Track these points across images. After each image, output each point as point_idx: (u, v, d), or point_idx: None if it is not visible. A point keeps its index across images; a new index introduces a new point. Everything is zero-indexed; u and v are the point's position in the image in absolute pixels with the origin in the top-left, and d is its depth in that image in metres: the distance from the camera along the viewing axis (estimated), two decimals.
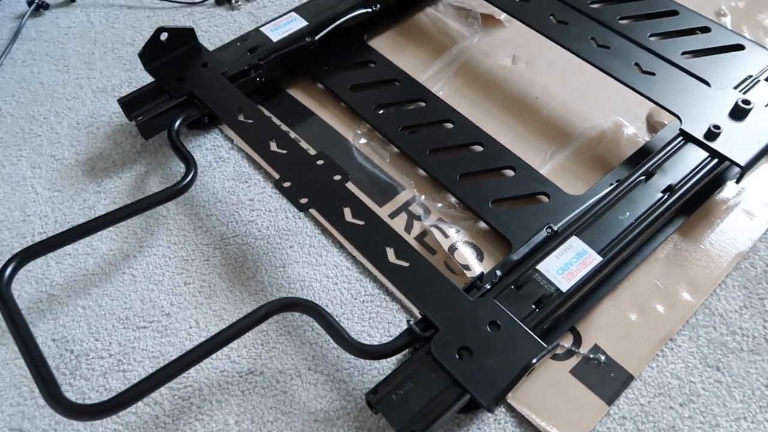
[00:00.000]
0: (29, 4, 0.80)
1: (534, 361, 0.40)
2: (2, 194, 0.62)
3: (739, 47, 0.64)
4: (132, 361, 0.51)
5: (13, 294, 0.47)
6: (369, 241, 0.49)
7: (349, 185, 0.53)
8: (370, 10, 0.71)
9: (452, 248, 0.55)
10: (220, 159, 0.64)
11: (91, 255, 0.57)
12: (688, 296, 0.51)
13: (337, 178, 0.53)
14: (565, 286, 0.46)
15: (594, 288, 0.50)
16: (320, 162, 0.54)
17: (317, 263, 0.56)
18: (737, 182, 0.55)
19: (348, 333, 0.46)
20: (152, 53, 0.63)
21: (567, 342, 0.49)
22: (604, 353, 0.49)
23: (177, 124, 0.60)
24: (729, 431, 0.45)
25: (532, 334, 0.43)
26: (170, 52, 0.64)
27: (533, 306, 0.46)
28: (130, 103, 0.62)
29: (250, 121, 0.58)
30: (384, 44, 0.73)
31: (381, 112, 0.65)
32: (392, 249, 0.48)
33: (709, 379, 0.48)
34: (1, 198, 0.62)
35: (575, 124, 0.64)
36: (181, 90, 0.62)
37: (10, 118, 0.69)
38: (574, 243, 0.49)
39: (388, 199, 0.59)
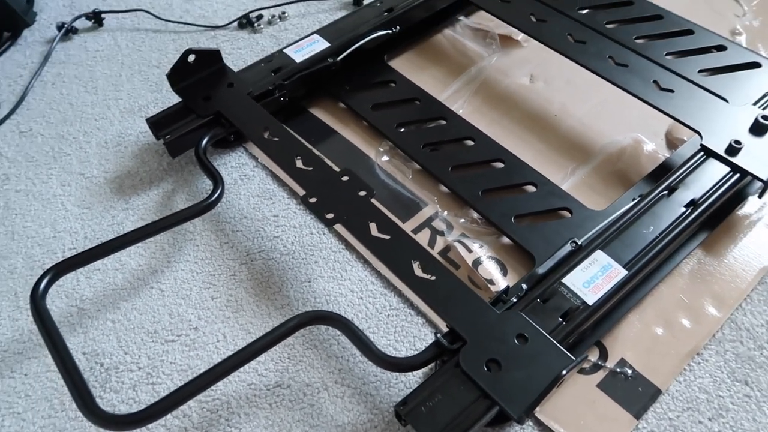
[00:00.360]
0: (59, 28, 0.83)
1: (564, 372, 0.41)
2: (33, 211, 0.64)
3: (756, 65, 0.65)
4: (161, 374, 0.52)
5: (47, 307, 0.48)
6: (395, 255, 0.50)
7: (378, 205, 0.53)
8: (390, 31, 0.73)
9: (476, 263, 0.55)
10: (245, 176, 0.65)
11: (120, 270, 0.58)
12: (713, 310, 0.52)
13: (362, 193, 0.54)
14: (591, 299, 0.47)
15: (619, 302, 0.51)
16: (345, 178, 0.55)
17: (342, 278, 0.56)
18: (760, 197, 0.55)
19: (375, 346, 0.46)
20: (180, 74, 0.65)
21: (593, 356, 0.50)
22: (630, 367, 0.49)
23: (204, 142, 0.62)
24: None
25: (559, 346, 0.43)
26: (197, 73, 0.66)
27: (560, 319, 0.46)
28: (158, 123, 0.64)
29: (276, 138, 0.60)
30: (404, 64, 0.74)
31: (402, 130, 0.66)
32: (418, 263, 0.49)
33: (737, 394, 0.48)
34: (33, 215, 0.63)
35: (594, 140, 0.65)
36: (208, 109, 0.63)
37: (40, 138, 0.71)
38: (599, 257, 0.49)
39: (411, 215, 0.60)
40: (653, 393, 0.48)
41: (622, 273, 0.48)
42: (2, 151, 0.70)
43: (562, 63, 0.70)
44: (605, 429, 0.46)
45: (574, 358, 0.42)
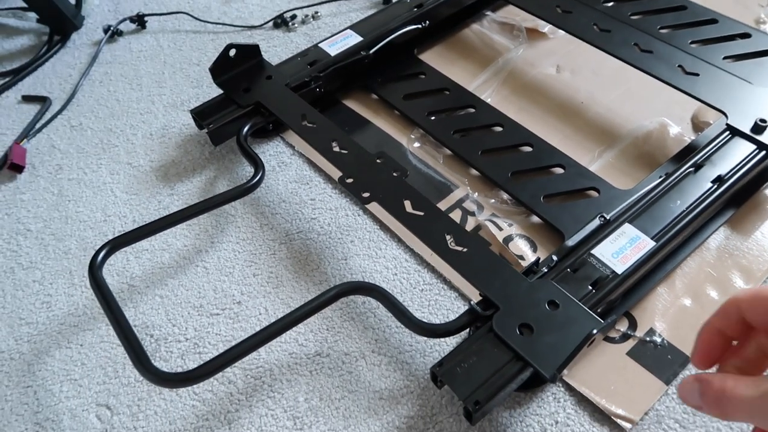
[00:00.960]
0: (105, 31, 0.88)
1: (594, 332, 0.42)
2: (85, 198, 0.68)
3: None
4: (207, 345, 0.54)
5: (104, 277, 0.51)
6: (429, 230, 0.52)
7: (412, 187, 0.56)
8: (419, 26, 0.75)
9: (507, 240, 0.57)
10: (283, 164, 0.68)
11: (167, 250, 0.62)
12: (741, 283, 0.53)
13: (396, 174, 0.57)
14: (620, 269, 0.48)
15: (647, 274, 0.52)
16: (380, 160, 0.58)
17: (377, 256, 0.59)
18: None
19: (412, 313, 0.48)
20: (221, 68, 0.68)
21: (623, 326, 0.51)
22: (660, 336, 0.50)
23: (245, 130, 0.65)
24: None
25: (589, 311, 0.45)
26: (237, 67, 0.69)
27: (590, 287, 0.48)
28: (201, 113, 0.67)
29: (313, 125, 0.63)
30: (433, 58, 0.77)
31: (433, 118, 0.68)
32: (451, 236, 0.51)
33: None
34: (85, 201, 0.67)
35: (621, 125, 0.67)
36: (248, 100, 0.67)
37: (90, 132, 0.75)
38: (627, 229, 0.51)
39: (443, 196, 0.62)
40: (683, 361, 0.49)
41: (650, 244, 0.50)
42: (55, 144, 0.74)
43: (588, 54, 0.72)
44: (636, 394, 0.47)
45: (602, 321, 0.44)
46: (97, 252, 0.52)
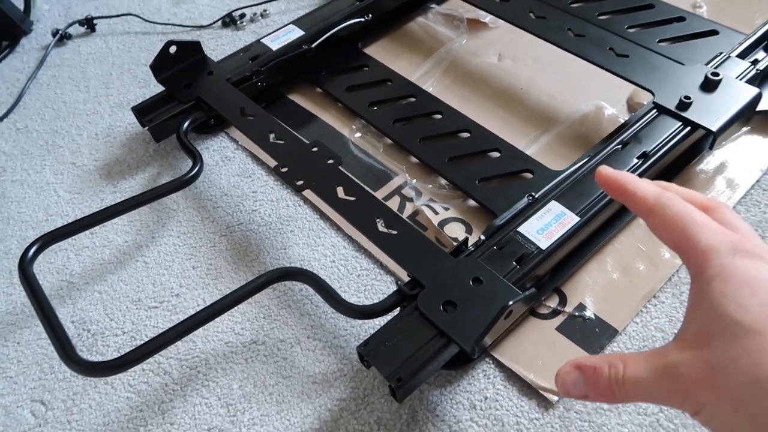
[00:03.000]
0: (54, 35, 0.88)
1: (510, 303, 0.43)
2: (28, 199, 0.67)
3: (714, 32, 0.67)
4: (144, 337, 0.54)
5: (35, 273, 0.51)
6: (360, 213, 0.53)
7: (346, 174, 0.56)
8: (362, 19, 0.76)
9: (442, 224, 0.58)
10: (226, 158, 0.68)
11: (108, 247, 0.62)
12: (669, 256, 0.53)
13: (331, 161, 0.57)
14: (544, 245, 0.49)
15: (576, 250, 0.53)
16: (315, 149, 0.58)
17: (316, 244, 0.59)
18: (710, 149, 0.57)
19: (341, 296, 0.49)
20: (162, 64, 0.69)
21: (552, 302, 0.52)
22: (589, 310, 0.51)
23: (185, 125, 0.65)
24: None
25: (510, 285, 0.45)
26: (179, 64, 0.70)
27: (514, 263, 0.48)
28: (143, 110, 0.67)
29: (251, 117, 0.63)
30: (377, 50, 0.78)
31: (375, 108, 0.69)
32: (382, 220, 0.52)
33: None
34: (27, 202, 0.67)
35: (559, 110, 0.68)
36: (189, 95, 0.67)
37: (35, 133, 0.75)
38: (553, 206, 0.52)
39: (382, 184, 0.63)
40: (611, 333, 0.49)
41: (575, 219, 0.50)
42: (0, 147, 0.74)
43: (528, 42, 0.73)
44: None
45: (520, 292, 0.44)
46: (28, 247, 0.52)
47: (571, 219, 0.50)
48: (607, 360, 0.31)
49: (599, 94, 0.68)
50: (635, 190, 0.34)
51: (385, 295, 0.54)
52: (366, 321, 0.52)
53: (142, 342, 0.53)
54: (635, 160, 0.54)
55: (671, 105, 0.57)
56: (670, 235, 0.32)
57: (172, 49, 0.69)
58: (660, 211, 0.32)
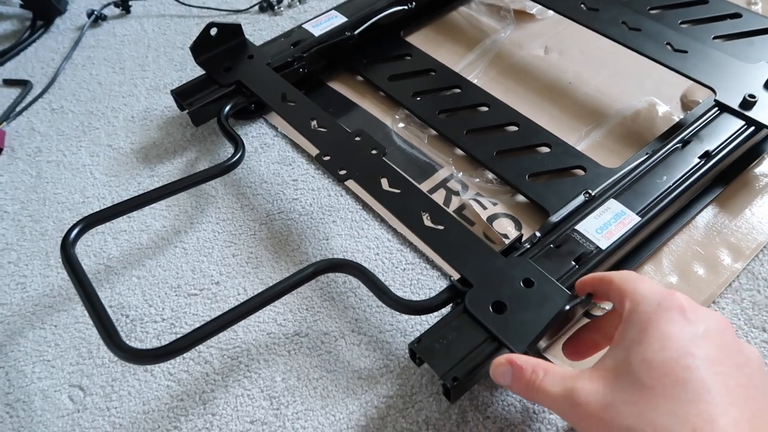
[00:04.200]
0: (89, 16, 0.86)
1: (566, 308, 0.41)
2: (64, 180, 0.66)
3: None
4: (184, 325, 0.53)
5: (77, 255, 0.50)
6: (405, 207, 0.51)
7: (390, 165, 0.55)
8: (405, 7, 0.74)
9: (491, 219, 0.56)
10: (266, 145, 0.67)
11: (146, 231, 0.61)
12: (730, 261, 0.51)
13: (374, 152, 0.56)
14: (604, 244, 0.47)
15: (633, 251, 0.51)
16: (358, 138, 0.57)
17: (359, 236, 0.58)
18: None
19: (391, 290, 0.47)
20: (202, 47, 0.67)
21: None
22: None
23: (226, 110, 0.64)
24: None
25: (563, 288, 0.44)
26: (219, 46, 0.68)
27: (573, 263, 0.47)
28: (182, 93, 0.66)
29: (293, 103, 0.61)
30: (420, 39, 0.76)
31: (418, 99, 0.67)
32: (428, 214, 0.50)
33: (755, 340, 0.47)
34: (63, 183, 0.66)
35: (609, 105, 0.66)
36: (229, 79, 0.66)
37: (71, 114, 0.74)
38: (612, 205, 0.50)
39: (427, 176, 0.61)
40: None
41: (635, 219, 0.48)
42: (35, 127, 0.73)
43: (576, 35, 0.71)
44: None
45: (573, 296, 0.42)
46: (70, 229, 0.51)
47: (631, 218, 0.49)
48: (533, 364, 0.36)
49: (650, 90, 0.66)
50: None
51: (432, 291, 0.53)
52: (412, 317, 0.51)
53: (181, 329, 0.53)
54: (696, 160, 0.52)
55: (734, 103, 0.55)
56: (617, 288, 0.37)
57: (213, 31, 0.67)
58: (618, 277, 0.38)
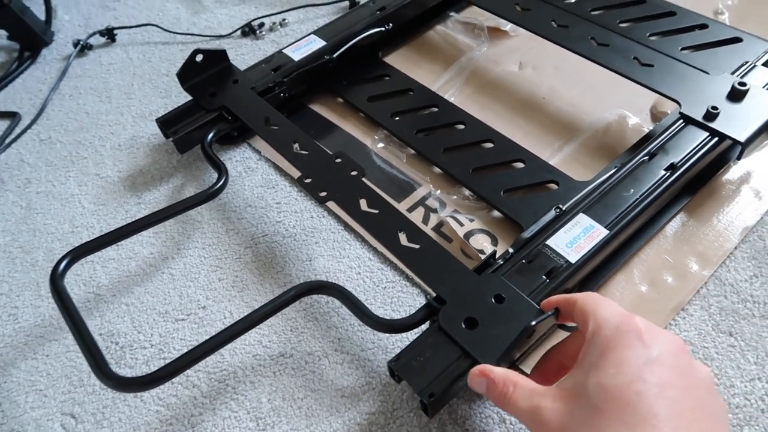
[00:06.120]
0: (75, 45, 0.88)
1: (533, 323, 0.43)
2: (53, 210, 0.68)
3: (737, 40, 0.67)
4: (172, 350, 0.55)
5: (66, 286, 0.51)
6: (383, 227, 0.53)
7: (369, 184, 0.56)
8: (383, 29, 0.76)
9: (468, 235, 0.58)
10: (249, 169, 0.69)
11: (134, 258, 0.62)
12: (698, 268, 0.53)
13: (354, 173, 0.57)
14: (574, 258, 0.49)
15: (604, 263, 0.53)
16: (338, 160, 0.59)
17: (341, 256, 0.59)
18: (738, 159, 0.57)
19: (370, 310, 0.49)
20: (188, 73, 0.69)
21: None
22: None
23: (210, 136, 0.66)
24: (744, 391, 0.46)
25: (532, 302, 0.45)
26: (204, 72, 0.70)
27: (544, 277, 0.48)
28: (166, 122, 0.68)
29: (276, 127, 0.63)
30: (398, 60, 0.78)
31: (397, 118, 0.69)
32: (404, 233, 0.52)
33: (722, 344, 0.49)
34: (52, 213, 0.68)
35: (581, 119, 0.68)
36: (214, 104, 0.67)
37: (59, 145, 0.76)
38: (581, 219, 0.51)
39: (406, 195, 0.63)
40: None
41: (604, 233, 0.50)
42: (24, 158, 0.75)
43: (549, 50, 0.73)
44: None
45: (542, 311, 0.44)
46: (59, 262, 0.52)
47: (600, 232, 0.50)
48: (505, 377, 0.38)
49: (622, 103, 0.68)
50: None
51: (412, 308, 0.55)
52: (394, 334, 0.52)
53: (170, 354, 0.54)
54: (663, 172, 0.54)
55: (698, 115, 0.57)
56: (580, 310, 0.39)
57: (199, 57, 0.69)
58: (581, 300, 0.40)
